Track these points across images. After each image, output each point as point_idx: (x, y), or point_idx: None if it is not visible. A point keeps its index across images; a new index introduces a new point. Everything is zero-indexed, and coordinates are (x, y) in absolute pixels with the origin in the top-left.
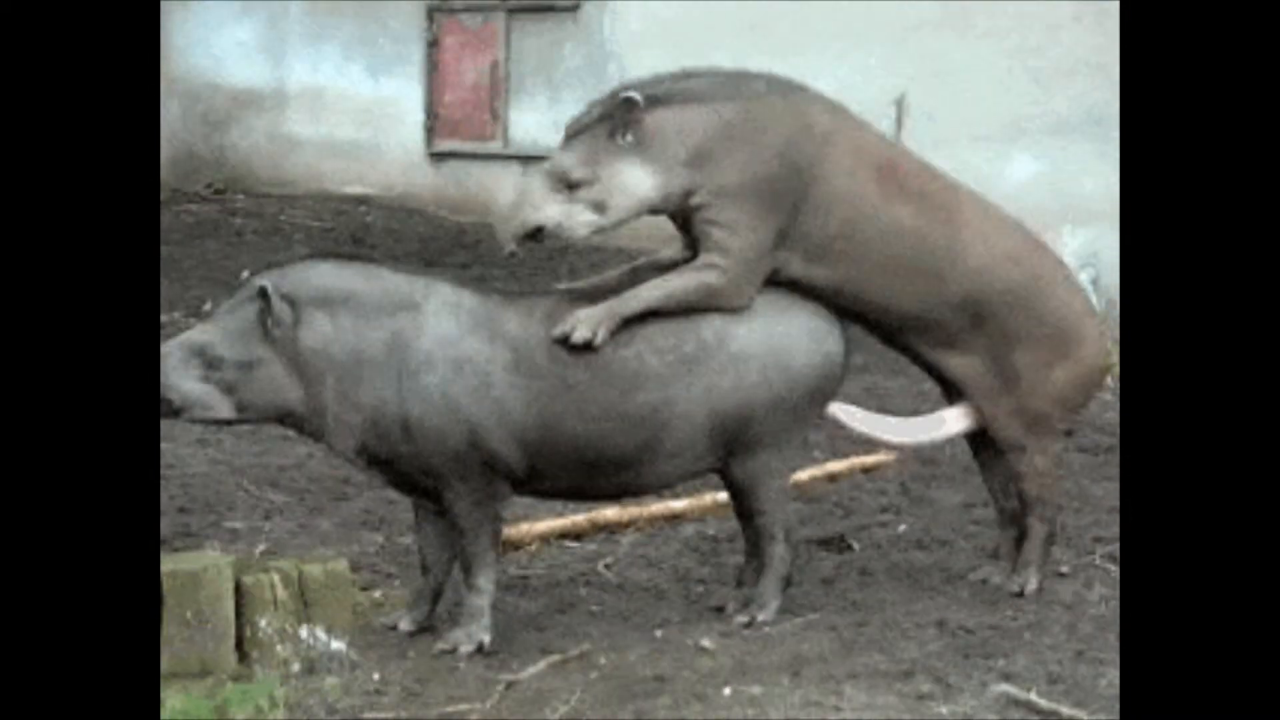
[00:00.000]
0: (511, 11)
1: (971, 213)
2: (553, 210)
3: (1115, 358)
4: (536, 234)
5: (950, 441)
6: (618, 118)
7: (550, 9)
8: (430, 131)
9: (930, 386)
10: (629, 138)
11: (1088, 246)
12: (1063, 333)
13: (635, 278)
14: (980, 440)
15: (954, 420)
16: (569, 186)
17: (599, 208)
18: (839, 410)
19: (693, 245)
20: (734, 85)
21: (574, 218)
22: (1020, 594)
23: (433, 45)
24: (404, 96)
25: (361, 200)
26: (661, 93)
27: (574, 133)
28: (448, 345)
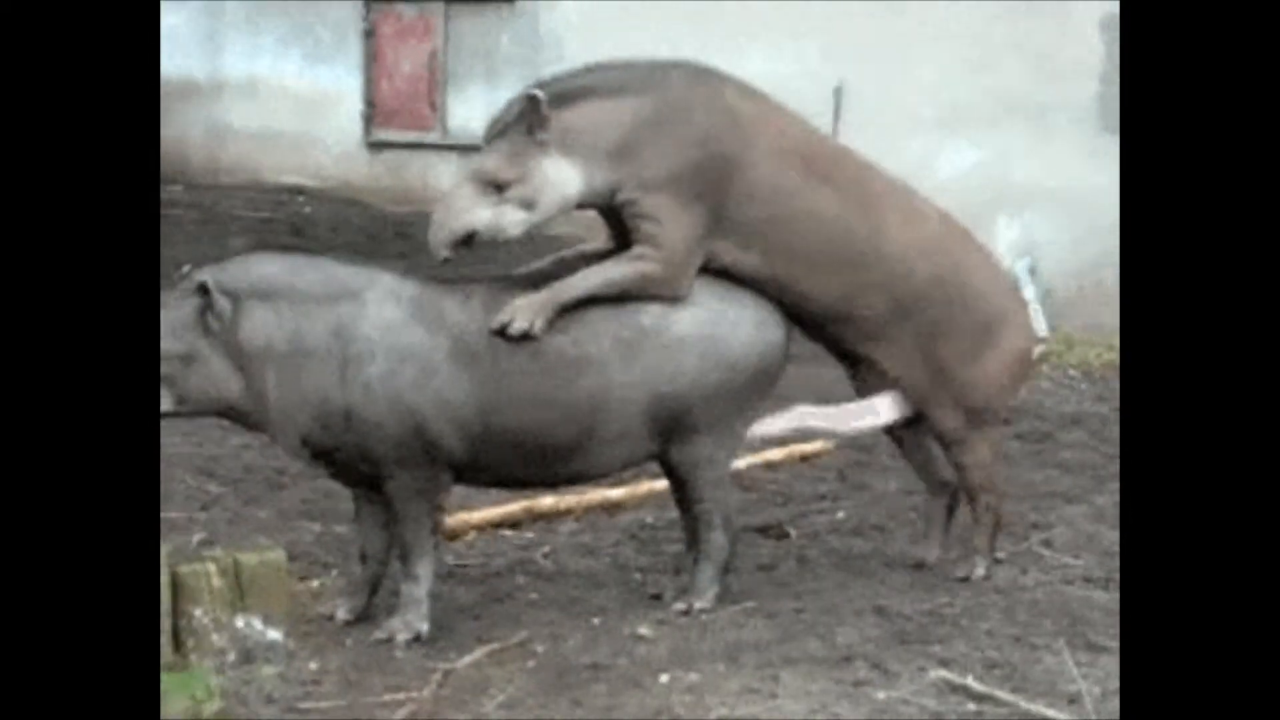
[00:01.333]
0: (449, 1)
1: (893, 199)
2: (483, 213)
3: (1052, 343)
4: (469, 239)
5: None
6: (531, 116)
7: None
8: (368, 121)
9: None
10: (547, 134)
11: (1026, 234)
12: (988, 320)
13: (564, 267)
14: (895, 426)
15: (886, 409)
16: (496, 188)
17: (528, 205)
18: (762, 428)
19: (619, 238)
20: (651, 76)
21: (505, 218)
22: (966, 579)
23: (370, 35)
24: (341, 86)
25: (299, 190)
26: (578, 87)
27: (495, 134)
28: (389, 334)
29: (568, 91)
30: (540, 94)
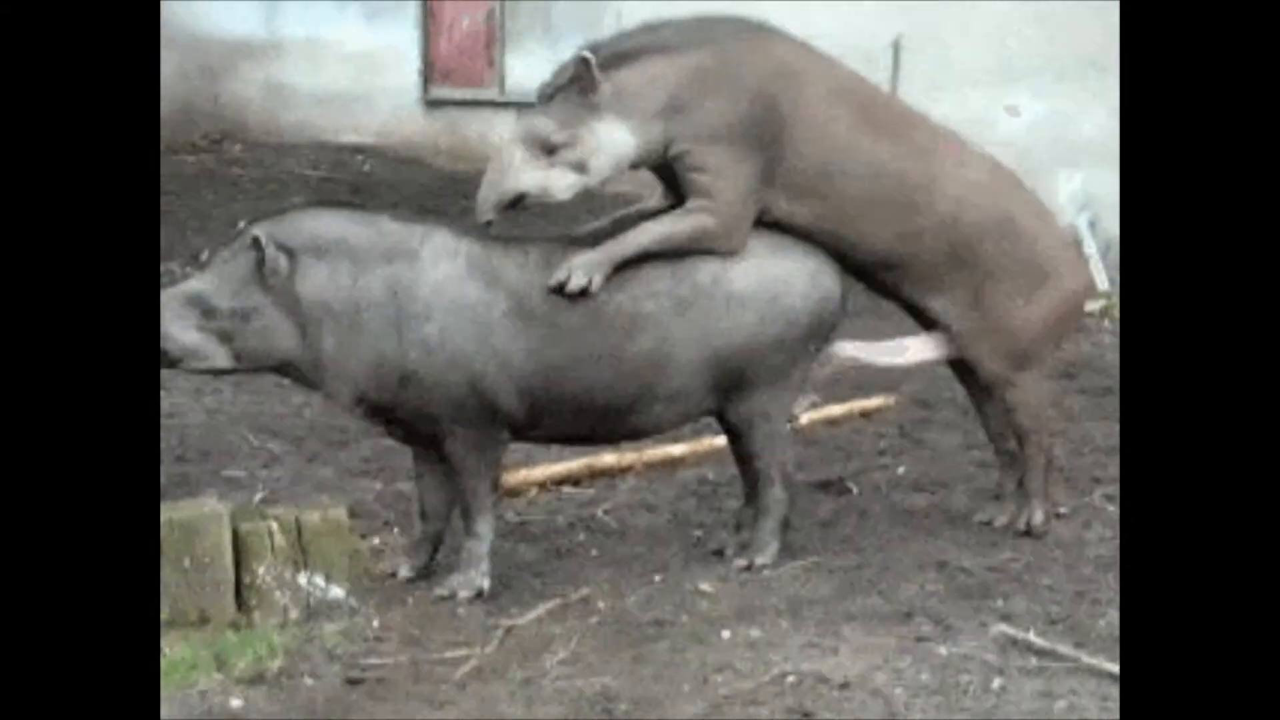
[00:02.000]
0: None
1: (944, 147)
2: (534, 175)
3: (1113, 296)
4: (519, 201)
5: (948, 384)
6: (583, 78)
7: None
8: (426, 79)
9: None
10: (600, 96)
11: (1085, 189)
12: (1038, 265)
13: (622, 226)
14: (975, 382)
15: (917, 348)
16: (548, 151)
17: (580, 168)
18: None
19: (675, 195)
20: (702, 32)
21: (556, 181)
22: (1028, 530)
23: None
24: (399, 44)
25: (358, 149)
26: (629, 48)
27: (547, 96)
28: (446, 292)
29: (619, 52)
30: (591, 56)
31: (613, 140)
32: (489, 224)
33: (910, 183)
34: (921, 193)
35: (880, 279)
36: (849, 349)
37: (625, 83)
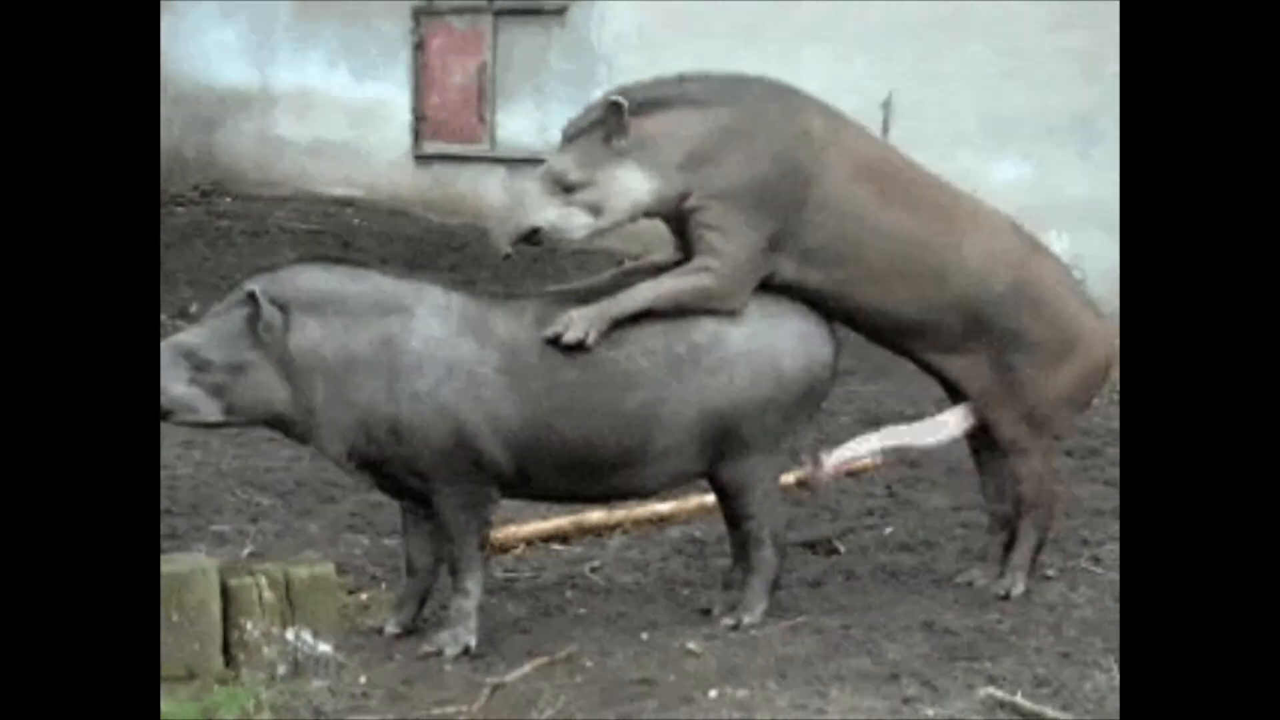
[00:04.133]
0: (498, 14)
1: (968, 216)
2: (549, 213)
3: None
4: (532, 236)
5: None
6: (610, 122)
7: (538, 11)
8: (417, 134)
9: (916, 390)
10: (624, 141)
11: (1073, 249)
12: (1063, 332)
13: (626, 280)
14: (981, 442)
15: (956, 423)
16: (565, 189)
17: (595, 210)
18: (841, 455)
19: (685, 248)
20: (730, 90)
21: (570, 220)
22: (1006, 597)
23: (419, 47)
24: (391, 98)
25: (348, 202)
26: (658, 97)
27: (571, 136)
28: (438, 347)
29: (647, 100)
30: (623, 100)
31: (630, 186)
32: (507, 257)
33: (934, 251)
34: (943, 262)
35: (898, 343)
36: (890, 439)
37: (649, 131)
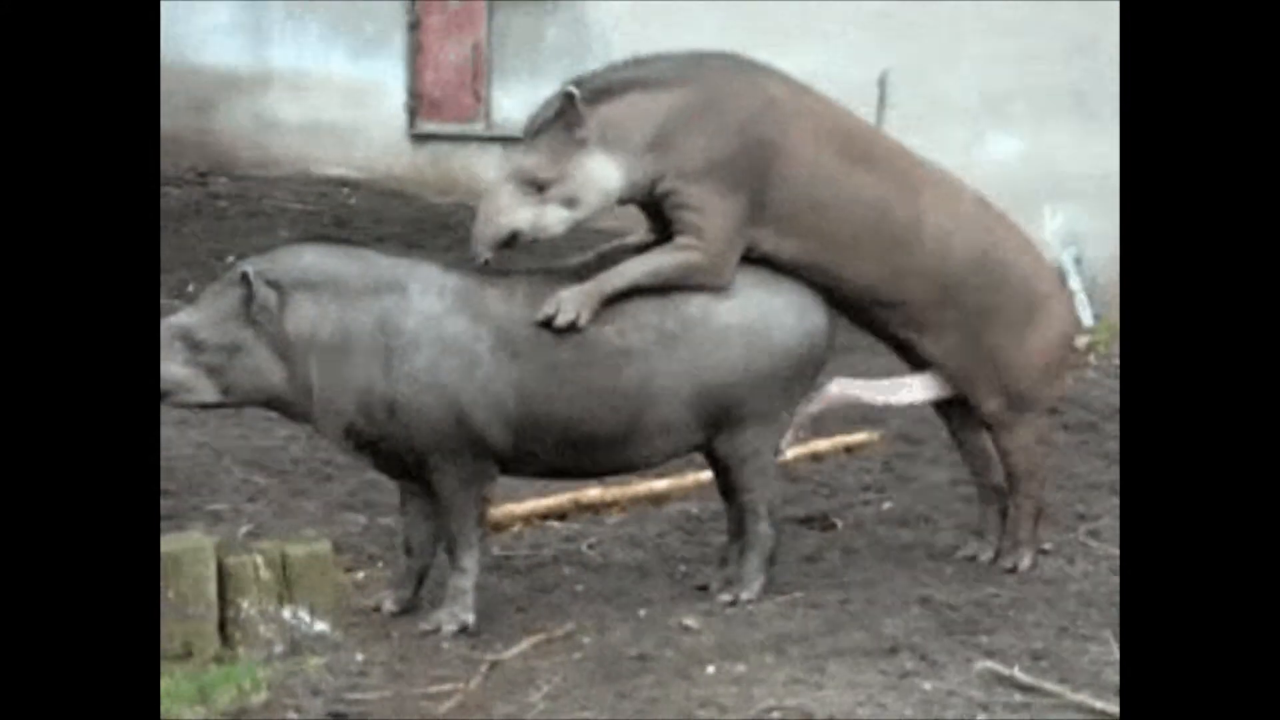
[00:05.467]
0: None
1: (932, 183)
2: (525, 213)
3: (1098, 332)
4: (512, 240)
5: (934, 420)
6: (568, 114)
7: None
8: (412, 113)
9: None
10: (587, 131)
11: (1069, 225)
12: (1030, 304)
13: (615, 257)
14: (956, 418)
15: (918, 387)
16: (538, 187)
17: (570, 203)
18: (803, 408)
19: (661, 231)
20: (690, 67)
21: (547, 217)
22: (1014, 571)
23: (414, 26)
24: (386, 78)
25: (344, 182)
26: (617, 82)
27: (534, 132)
28: (433, 326)
29: (606, 86)
30: (576, 91)
31: (601, 174)
32: (486, 263)
33: (898, 219)
34: (909, 229)
35: (871, 316)
36: (848, 388)
37: (611, 117)
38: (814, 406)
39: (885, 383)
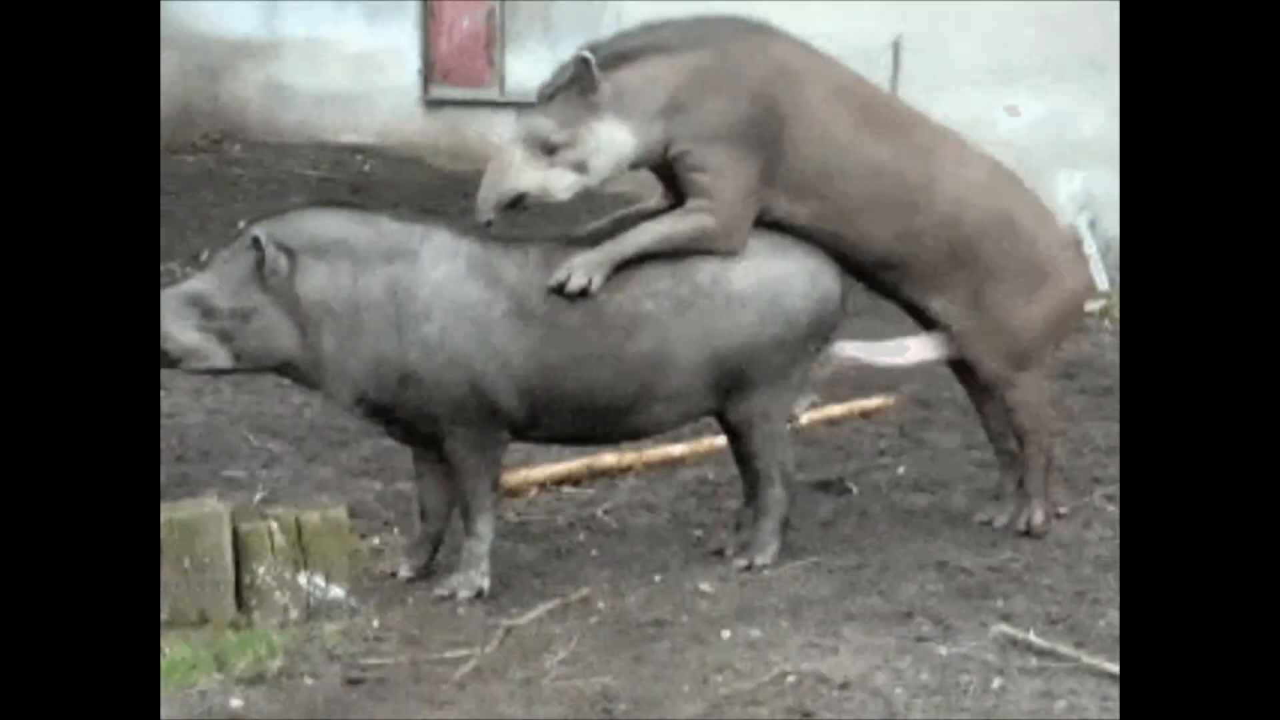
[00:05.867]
0: None
1: (945, 147)
2: (534, 175)
3: (1114, 296)
4: (519, 201)
5: (949, 384)
6: (583, 78)
7: None
8: (426, 79)
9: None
10: (600, 95)
11: (1085, 189)
12: (1039, 265)
13: (622, 226)
14: (975, 383)
15: (917, 348)
16: (548, 150)
17: (580, 168)
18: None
19: (675, 196)
20: (701, 32)
21: (555, 181)
22: (1028, 530)
23: None
24: (399, 44)
25: (358, 149)
26: (630, 48)
27: (548, 96)
28: (446, 291)
29: (619, 52)
30: (591, 56)
31: (612, 140)
32: (489, 224)
33: (910, 183)
34: (921, 192)
35: (880, 279)
36: (850, 349)
37: (625, 82)
38: (824, 370)
39: (889, 344)
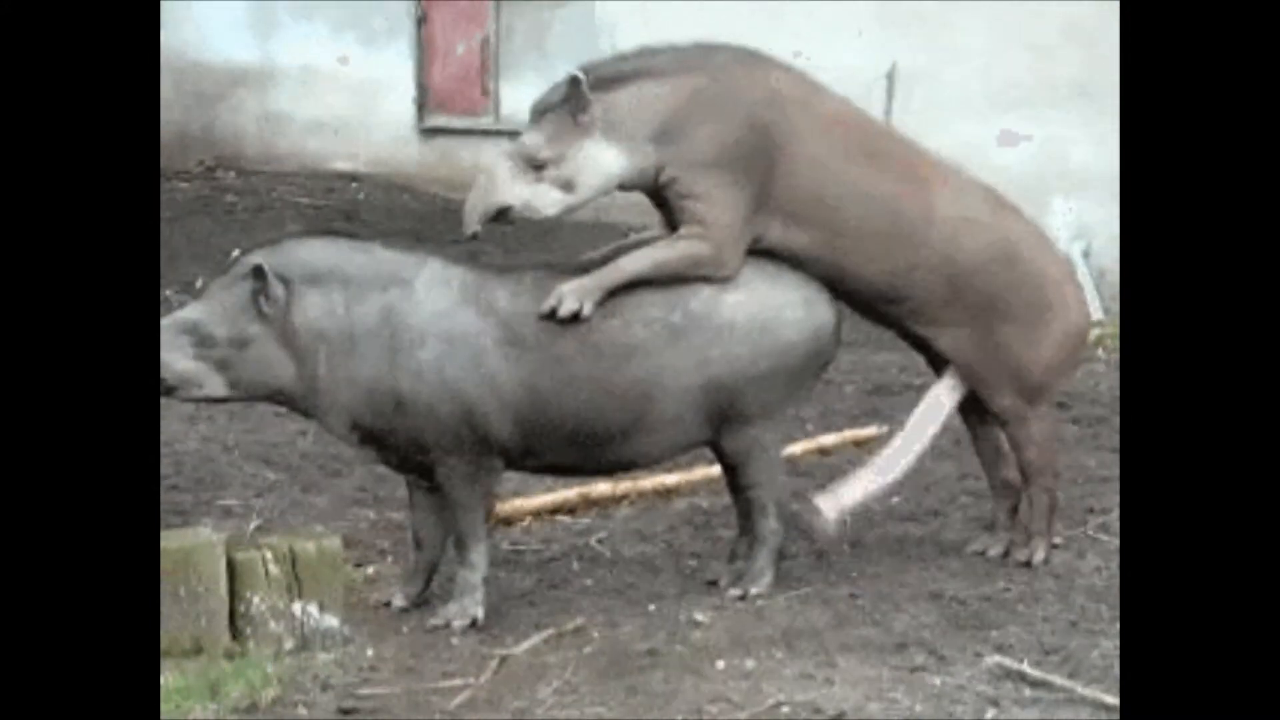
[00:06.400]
0: None
1: (941, 177)
2: (520, 190)
3: (1107, 325)
4: (503, 214)
5: None
6: (575, 98)
7: None
8: (421, 107)
9: (921, 361)
10: (591, 116)
11: (1079, 217)
12: (1043, 296)
13: (619, 254)
14: (970, 411)
15: (948, 396)
16: (535, 167)
17: (567, 186)
18: (843, 497)
19: (670, 222)
20: (696, 58)
21: (541, 197)
22: (1029, 564)
23: (422, 21)
24: (394, 72)
25: (352, 177)
26: (624, 71)
27: (539, 113)
28: (439, 320)
29: (613, 74)
30: (583, 76)
31: (600, 160)
32: (474, 236)
33: (906, 214)
34: (918, 224)
35: (882, 312)
36: (897, 457)
37: (616, 104)
38: (871, 492)
39: (923, 414)
